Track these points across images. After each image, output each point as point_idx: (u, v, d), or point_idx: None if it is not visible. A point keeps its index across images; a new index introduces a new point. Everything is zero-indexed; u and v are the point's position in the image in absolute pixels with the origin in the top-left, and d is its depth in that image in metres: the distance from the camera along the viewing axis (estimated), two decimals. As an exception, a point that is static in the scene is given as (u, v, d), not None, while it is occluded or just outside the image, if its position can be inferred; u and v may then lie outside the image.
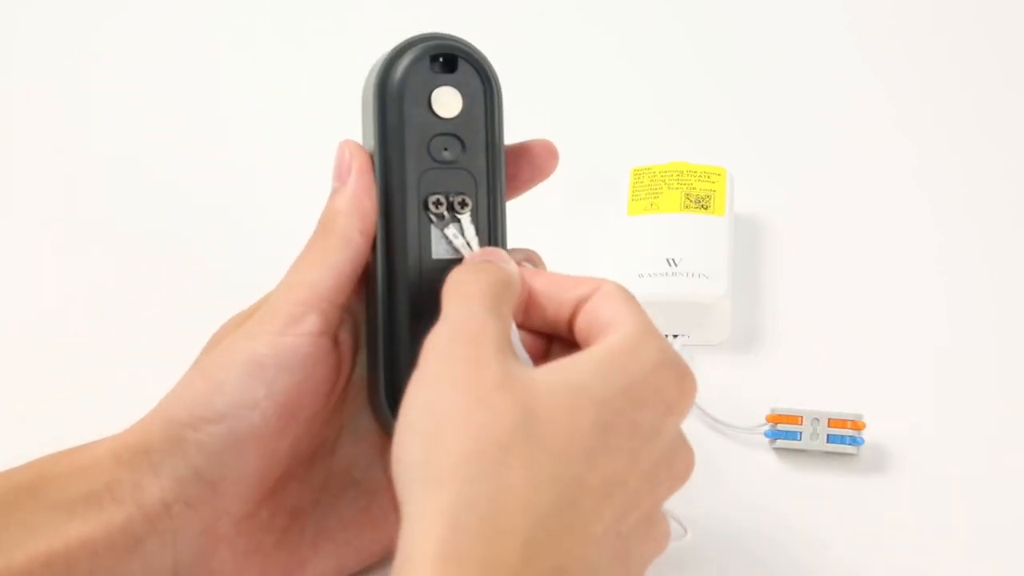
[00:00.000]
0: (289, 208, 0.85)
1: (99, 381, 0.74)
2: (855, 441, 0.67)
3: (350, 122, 0.92)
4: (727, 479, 0.67)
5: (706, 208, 0.76)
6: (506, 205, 0.62)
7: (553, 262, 0.78)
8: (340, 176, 0.60)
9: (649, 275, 0.73)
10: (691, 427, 0.69)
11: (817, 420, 0.67)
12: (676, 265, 0.73)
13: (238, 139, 0.90)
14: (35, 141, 0.91)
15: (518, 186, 0.63)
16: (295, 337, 0.57)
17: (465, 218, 0.61)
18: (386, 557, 0.63)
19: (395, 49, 0.62)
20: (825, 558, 0.64)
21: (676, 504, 0.66)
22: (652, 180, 0.77)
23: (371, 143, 0.62)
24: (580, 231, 0.80)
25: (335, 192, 0.60)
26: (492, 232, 0.62)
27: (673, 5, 0.98)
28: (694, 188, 0.76)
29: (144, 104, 0.93)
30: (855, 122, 0.88)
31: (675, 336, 0.73)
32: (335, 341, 0.58)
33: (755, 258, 0.78)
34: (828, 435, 0.67)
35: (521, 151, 0.63)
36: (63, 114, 0.92)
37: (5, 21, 0.99)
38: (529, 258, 0.63)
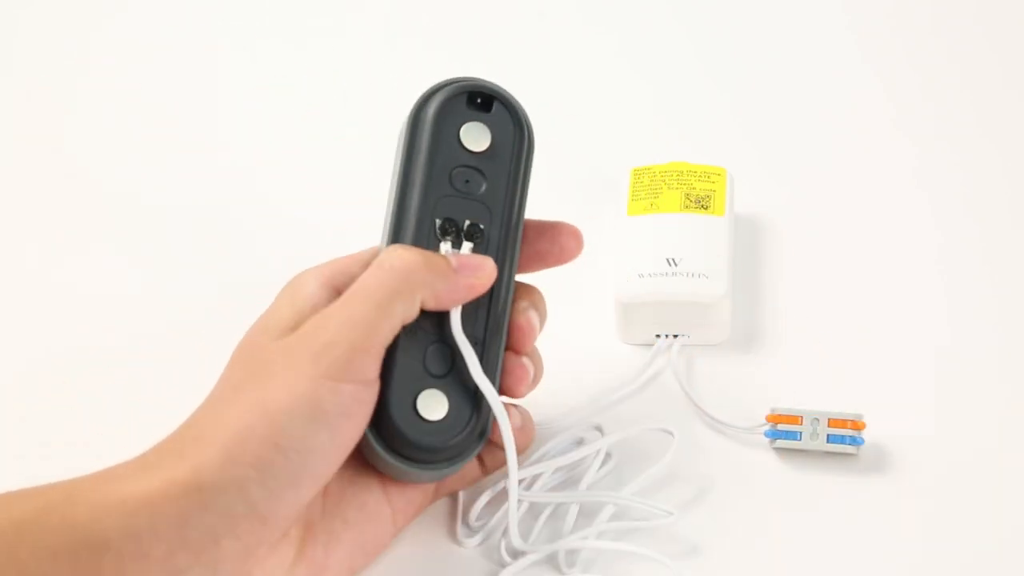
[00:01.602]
0: (290, 208, 0.85)
1: (99, 382, 0.74)
2: (855, 441, 0.67)
3: (349, 121, 0.92)
4: (727, 479, 0.67)
5: (706, 208, 0.76)
6: (518, 251, 0.64)
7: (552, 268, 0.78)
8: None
9: (649, 275, 0.73)
10: (691, 427, 0.70)
11: (817, 420, 0.67)
12: (676, 265, 0.73)
13: (238, 139, 0.90)
14: (33, 142, 0.91)
15: (537, 262, 0.66)
16: (356, 385, 0.58)
17: (468, 244, 0.63)
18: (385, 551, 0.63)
19: (436, 84, 0.65)
20: (825, 558, 0.64)
21: (676, 503, 0.66)
22: (652, 180, 0.77)
23: (395, 166, 0.64)
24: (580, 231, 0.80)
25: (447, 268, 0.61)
26: (502, 275, 0.63)
27: (673, 5, 0.98)
28: (694, 188, 0.76)
29: (143, 104, 0.93)
30: (855, 122, 0.88)
31: (675, 336, 0.73)
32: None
33: (755, 258, 0.78)
34: (828, 435, 0.67)
35: (547, 228, 0.66)
36: (62, 115, 0.92)
37: (5, 22, 0.99)
38: (533, 303, 0.65)
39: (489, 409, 0.62)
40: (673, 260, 0.73)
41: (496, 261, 0.63)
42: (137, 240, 0.83)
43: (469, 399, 0.62)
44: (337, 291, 0.61)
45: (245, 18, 0.99)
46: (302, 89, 0.93)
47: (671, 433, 0.67)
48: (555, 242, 0.66)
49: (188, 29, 0.98)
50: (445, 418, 0.61)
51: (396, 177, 0.64)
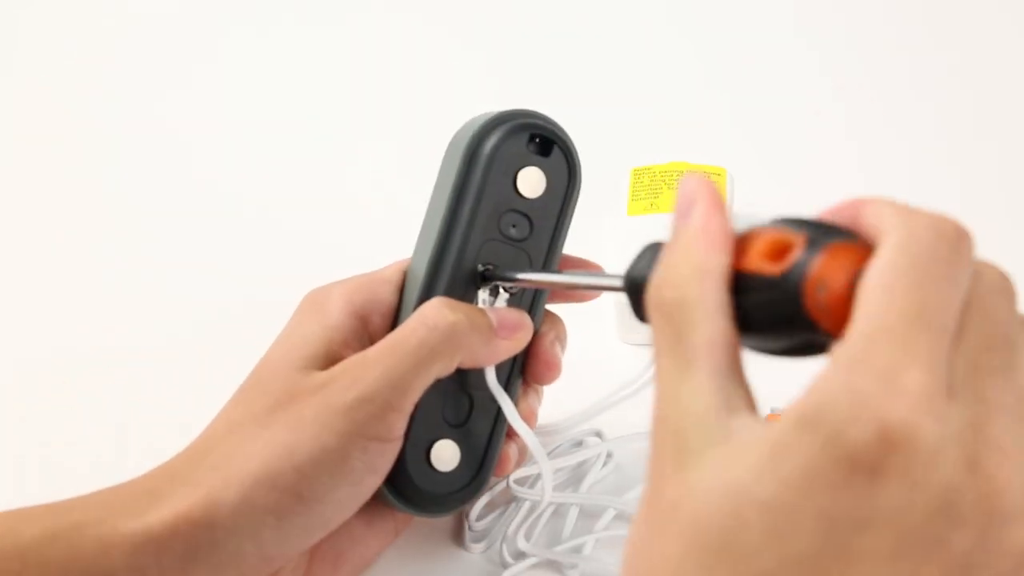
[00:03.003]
0: (290, 210, 0.85)
1: (99, 383, 0.74)
2: (855, 441, 0.66)
3: (351, 120, 0.92)
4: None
5: (706, 208, 0.76)
6: (546, 295, 0.63)
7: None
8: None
9: (649, 275, 0.73)
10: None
11: (817, 420, 0.67)
12: (676, 265, 0.73)
13: (242, 139, 0.90)
14: (35, 142, 0.91)
15: (558, 296, 0.65)
16: (385, 444, 0.57)
17: (504, 296, 0.61)
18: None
19: (496, 116, 0.61)
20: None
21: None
22: (652, 180, 0.77)
23: (442, 202, 0.61)
24: (580, 231, 0.80)
25: (484, 324, 0.59)
26: (531, 315, 0.62)
27: (673, 6, 0.98)
28: (694, 188, 0.76)
29: (144, 105, 0.93)
30: (855, 122, 0.88)
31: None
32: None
33: (755, 258, 0.78)
34: (828, 435, 0.66)
35: (574, 263, 0.64)
36: (65, 115, 0.93)
37: (5, 23, 1.00)
38: (559, 336, 0.64)
39: (492, 460, 0.62)
40: (673, 260, 0.73)
41: (529, 310, 0.62)
42: (137, 242, 0.84)
43: (479, 450, 0.62)
44: (363, 319, 0.60)
45: (252, 18, 0.99)
46: (305, 92, 0.94)
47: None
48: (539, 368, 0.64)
49: (192, 30, 0.99)
50: (455, 469, 0.61)
51: (443, 209, 0.61)
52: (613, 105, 0.90)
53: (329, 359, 0.58)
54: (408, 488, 0.60)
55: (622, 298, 0.73)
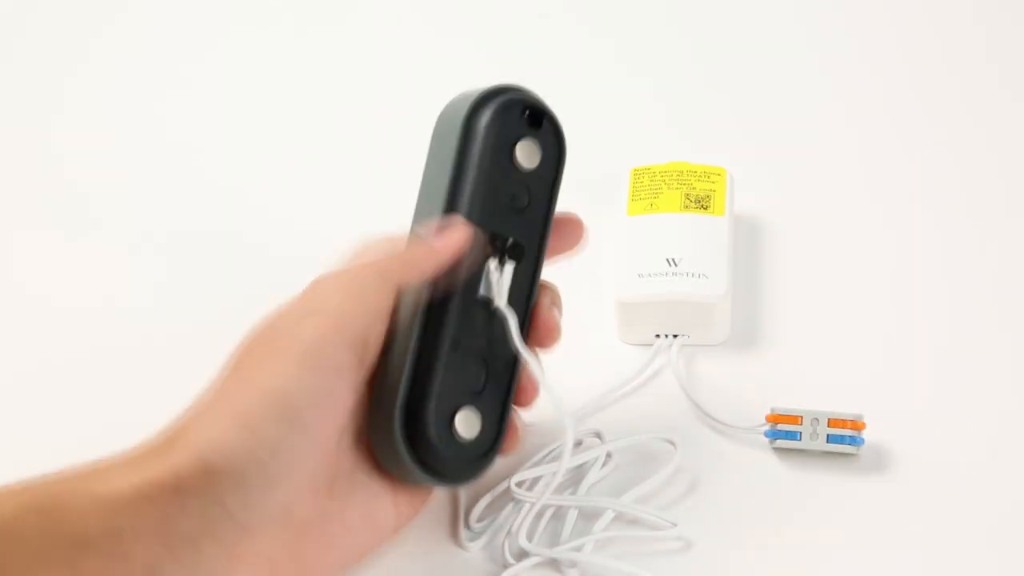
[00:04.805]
0: (292, 211, 0.85)
1: (100, 385, 0.74)
2: (855, 441, 0.67)
3: (351, 119, 0.92)
4: (727, 479, 0.67)
5: (706, 208, 0.76)
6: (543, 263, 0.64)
7: (553, 262, 0.78)
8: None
9: (649, 275, 0.73)
10: (691, 427, 0.70)
11: (817, 420, 0.67)
12: (676, 265, 0.73)
13: (242, 142, 0.90)
14: (33, 145, 0.91)
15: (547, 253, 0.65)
16: (326, 378, 0.58)
17: (510, 266, 0.62)
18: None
19: (487, 91, 0.63)
20: (825, 558, 0.64)
21: (676, 501, 0.66)
22: (652, 180, 0.77)
23: (442, 175, 0.62)
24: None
25: (421, 242, 0.61)
26: (532, 282, 0.63)
27: (673, 5, 0.98)
28: (694, 188, 0.76)
29: (145, 106, 0.93)
30: (855, 122, 0.88)
31: (675, 336, 0.73)
32: (360, 363, 0.59)
33: (755, 258, 0.78)
34: (828, 435, 0.67)
35: (561, 223, 0.65)
36: (61, 117, 0.93)
37: (7, 23, 1.00)
38: (554, 301, 0.65)
39: (506, 426, 0.63)
40: (673, 260, 0.73)
41: (527, 275, 0.63)
42: (137, 241, 0.84)
43: (497, 418, 0.62)
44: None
45: (252, 18, 0.99)
46: (304, 91, 0.93)
47: (673, 444, 0.67)
48: (560, 233, 0.66)
49: (192, 30, 0.99)
50: (477, 437, 0.61)
51: (446, 180, 0.62)
52: (613, 105, 0.90)
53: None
54: (431, 455, 0.60)
55: (622, 298, 0.73)
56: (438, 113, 0.64)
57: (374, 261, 0.61)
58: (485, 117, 0.62)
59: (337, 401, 0.59)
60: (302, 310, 0.59)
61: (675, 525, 0.64)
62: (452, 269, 0.61)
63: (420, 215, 0.63)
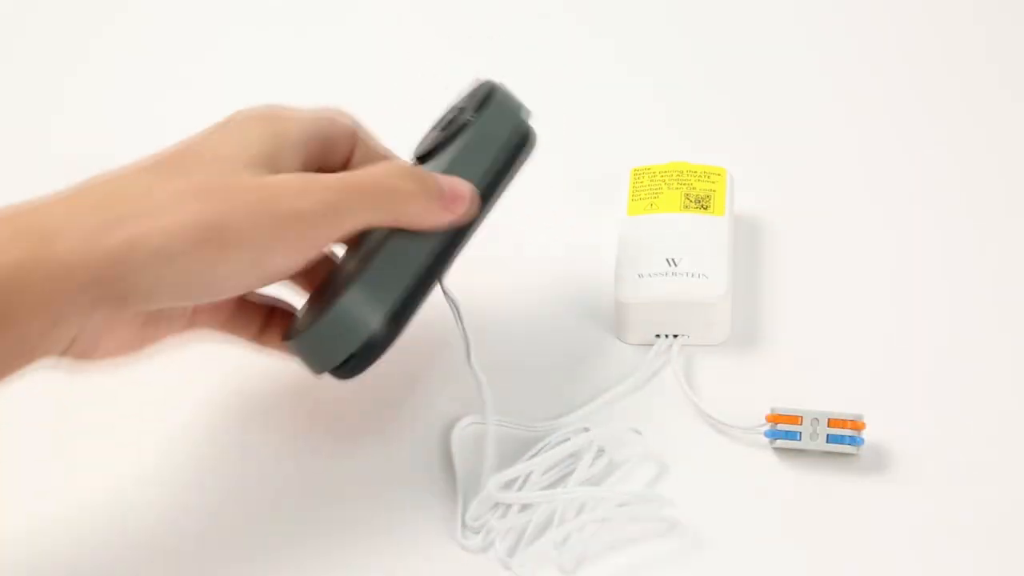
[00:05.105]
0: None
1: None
2: (855, 441, 0.67)
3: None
4: (727, 479, 0.67)
5: (706, 208, 0.76)
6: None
7: (553, 261, 0.78)
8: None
9: (649, 275, 0.73)
10: (691, 427, 0.70)
11: (817, 420, 0.67)
12: (676, 265, 0.73)
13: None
14: (29, 141, 0.91)
15: None
16: (291, 260, 0.61)
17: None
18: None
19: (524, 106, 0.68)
20: (825, 558, 0.64)
21: (677, 502, 0.66)
22: (652, 180, 0.77)
23: (483, 151, 0.66)
24: (580, 231, 0.80)
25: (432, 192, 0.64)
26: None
27: (673, 5, 0.98)
28: (694, 188, 0.76)
29: (145, 106, 0.93)
30: (855, 122, 0.88)
31: (675, 336, 0.73)
32: None
33: (755, 258, 0.78)
34: (828, 435, 0.67)
35: None
36: (59, 115, 0.93)
37: (7, 23, 1.00)
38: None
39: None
40: (673, 260, 0.73)
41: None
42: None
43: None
44: (321, 148, 0.65)
45: (252, 18, 0.99)
46: (304, 91, 0.93)
47: (639, 432, 0.68)
48: None
49: (192, 30, 0.99)
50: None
51: (481, 161, 0.66)
52: (613, 105, 0.90)
53: (273, 169, 0.61)
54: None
55: (622, 298, 0.73)
56: (436, 116, 0.65)
57: (367, 179, 0.63)
58: (535, 137, 0.67)
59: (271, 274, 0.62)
60: (298, 179, 0.62)
61: (669, 504, 0.64)
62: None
63: (429, 150, 0.67)
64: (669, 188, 0.77)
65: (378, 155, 0.67)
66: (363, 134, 0.67)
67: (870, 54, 0.93)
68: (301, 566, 0.64)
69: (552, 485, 0.67)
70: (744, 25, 0.96)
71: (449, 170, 0.65)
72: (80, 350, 0.60)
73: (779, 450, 0.68)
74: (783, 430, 0.67)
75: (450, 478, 0.67)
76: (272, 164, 0.61)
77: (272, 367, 0.70)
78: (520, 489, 0.66)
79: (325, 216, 0.60)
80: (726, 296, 0.72)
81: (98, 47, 0.97)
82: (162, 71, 0.95)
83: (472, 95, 0.68)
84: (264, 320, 0.67)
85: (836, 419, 0.67)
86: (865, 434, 0.67)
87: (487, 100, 0.67)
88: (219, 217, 0.58)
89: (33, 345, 0.57)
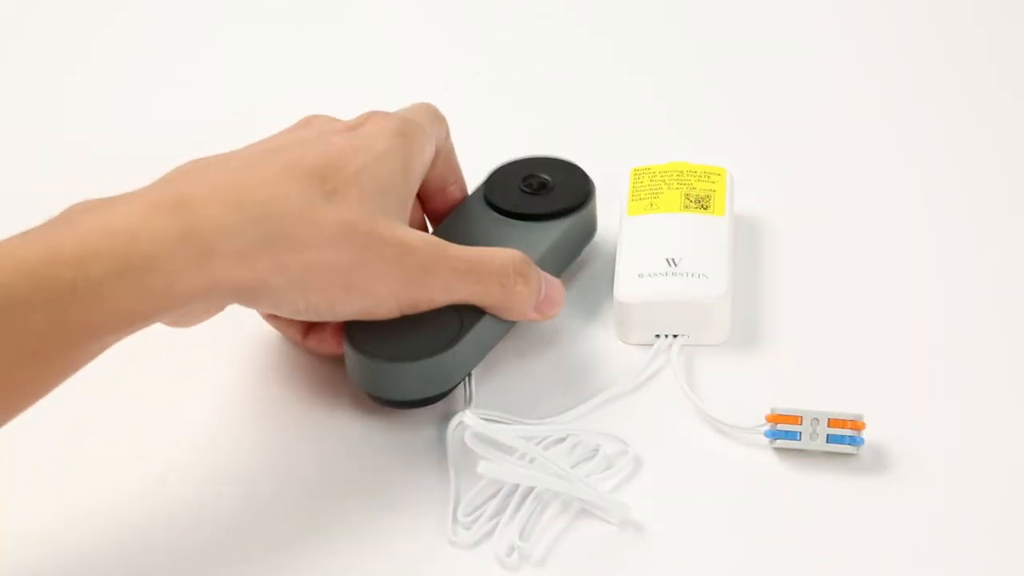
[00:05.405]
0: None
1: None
2: (855, 441, 0.67)
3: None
4: (727, 479, 0.67)
5: (706, 208, 0.76)
6: None
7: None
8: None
9: (649, 275, 0.73)
10: (691, 427, 0.70)
11: (817, 420, 0.67)
12: (676, 265, 0.73)
13: (239, 138, 0.90)
14: (28, 141, 0.91)
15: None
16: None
17: None
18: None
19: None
20: (825, 558, 0.64)
21: (677, 502, 0.66)
22: (652, 180, 0.77)
23: (569, 260, 0.75)
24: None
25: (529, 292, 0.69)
26: None
27: (673, 5, 0.98)
28: (694, 188, 0.76)
29: (146, 105, 0.93)
30: (855, 122, 0.88)
31: (675, 336, 0.73)
32: None
33: (755, 258, 0.78)
34: (828, 435, 0.67)
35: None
36: (58, 114, 0.93)
37: (6, 23, 1.00)
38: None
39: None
40: (673, 260, 0.73)
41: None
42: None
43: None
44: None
45: (251, 19, 0.99)
46: (304, 91, 0.94)
47: (624, 441, 0.68)
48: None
49: (192, 31, 0.99)
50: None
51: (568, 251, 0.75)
52: (613, 105, 0.90)
53: (404, 207, 0.67)
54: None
55: (622, 298, 0.73)
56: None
57: (487, 270, 0.67)
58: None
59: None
60: (431, 251, 0.66)
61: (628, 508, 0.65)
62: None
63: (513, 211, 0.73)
64: (669, 188, 0.77)
65: (450, 169, 0.73)
66: (447, 146, 0.72)
67: (870, 54, 0.93)
68: (296, 562, 0.64)
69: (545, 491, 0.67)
70: (744, 25, 0.96)
71: (542, 261, 0.71)
72: (181, 322, 0.64)
73: (779, 450, 0.68)
74: (783, 430, 0.67)
75: (445, 478, 0.67)
76: (404, 203, 0.67)
77: (271, 367, 0.70)
78: (524, 498, 0.66)
79: (444, 291, 0.66)
80: (726, 296, 0.72)
81: (98, 47, 0.97)
82: (162, 71, 0.95)
83: (559, 168, 0.75)
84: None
85: (836, 419, 0.67)
86: (865, 434, 0.67)
87: (587, 199, 0.75)
88: (357, 264, 0.63)
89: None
